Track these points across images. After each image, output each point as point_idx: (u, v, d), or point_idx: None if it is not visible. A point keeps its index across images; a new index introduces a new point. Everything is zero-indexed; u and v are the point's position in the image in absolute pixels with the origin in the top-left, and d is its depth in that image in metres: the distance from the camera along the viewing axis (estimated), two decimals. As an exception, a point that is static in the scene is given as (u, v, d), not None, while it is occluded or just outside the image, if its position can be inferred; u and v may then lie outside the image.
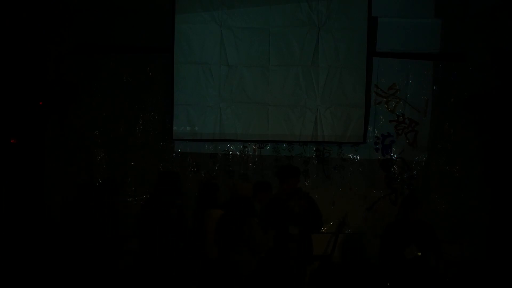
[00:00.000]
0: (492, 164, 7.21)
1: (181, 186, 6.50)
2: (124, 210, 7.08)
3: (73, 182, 7.16)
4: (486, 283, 6.69)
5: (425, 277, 6.01)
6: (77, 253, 6.36)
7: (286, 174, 6.14)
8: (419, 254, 5.94)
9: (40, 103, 6.95)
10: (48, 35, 7.12)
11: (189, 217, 6.40)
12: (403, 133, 7.47)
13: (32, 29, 6.96)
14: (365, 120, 7.36)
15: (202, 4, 7.26)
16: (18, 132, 6.88)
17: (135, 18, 7.27)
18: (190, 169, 7.41)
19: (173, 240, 6.04)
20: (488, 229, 7.25)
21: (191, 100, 7.31)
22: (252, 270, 6.19)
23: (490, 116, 7.15)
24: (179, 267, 6.07)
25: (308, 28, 7.28)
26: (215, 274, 5.73)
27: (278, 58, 7.29)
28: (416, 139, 7.46)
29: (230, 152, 7.45)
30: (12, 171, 6.82)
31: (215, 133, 7.33)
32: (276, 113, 7.32)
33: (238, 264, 5.61)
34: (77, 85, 7.20)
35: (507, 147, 7.07)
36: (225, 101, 7.32)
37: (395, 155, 7.48)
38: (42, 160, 7.15)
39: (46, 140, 7.20)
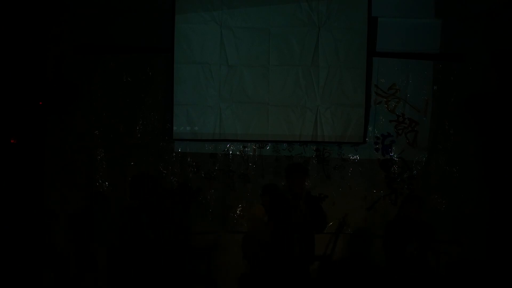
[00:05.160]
0: (492, 164, 7.22)
1: (156, 190, 6.50)
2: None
3: (73, 182, 7.17)
4: (486, 283, 6.70)
5: (425, 277, 6.02)
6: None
7: (293, 171, 6.14)
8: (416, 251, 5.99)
9: (40, 103, 6.95)
10: (48, 35, 7.11)
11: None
12: (403, 133, 7.47)
13: (32, 29, 6.95)
14: (365, 120, 7.36)
15: (202, 4, 7.25)
16: (18, 132, 6.88)
17: (135, 18, 7.26)
18: (190, 169, 7.40)
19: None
20: (488, 229, 7.25)
21: (191, 100, 7.31)
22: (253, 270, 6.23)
23: (490, 116, 7.15)
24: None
25: (308, 28, 7.28)
26: None
27: (278, 58, 7.29)
28: (416, 139, 7.46)
29: (230, 152, 7.45)
30: (12, 171, 6.82)
31: (215, 133, 7.33)
32: (276, 113, 7.32)
33: None
34: (77, 85, 7.20)
35: (507, 147, 7.06)
36: (225, 101, 7.31)
37: (395, 155, 7.47)
38: (42, 160, 7.15)
39: (46, 140, 7.19)
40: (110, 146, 7.33)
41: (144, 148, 7.36)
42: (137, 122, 7.37)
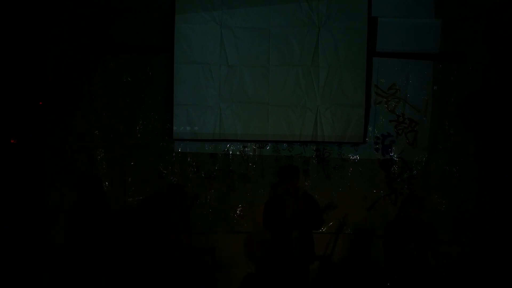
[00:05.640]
0: (492, 164, 7.21)
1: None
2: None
3: (73, 182, 7.17)
4: (486, 283, 6.69)
5: (425, 277, 6.02)
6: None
7: (284, 173, 6.21)
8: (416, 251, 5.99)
9: (40, 103, 6.95)
10: (48, 35, 7.11)
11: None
12: (403, 133, 7.47)
13: (32, 29, 6.95)
14: (365, 120, 7.36)
15: (202, 4, 7.25)
16: (18, 132, 6.87)
17: (135, 18, 7.26)
18: (190, 169, 7.40)
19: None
20: (488, 229, 7.25)
21: (191, 100, 7.31)
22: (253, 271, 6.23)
23: (490, 116, 7.15)
24: None
25: (308, 28, 7.28)
26: None
27: (278, 58, 7.29)
28: (416, 139, 7.46)
29: (230, 152, 7.44)
30: (12, 171, 6.82)
31: (215, 133, 7.33)
32: (276, 113, 7.32)
33: None
34: (77, 85, 7.20)
35: (507, 147, 7.06)
36: (225, 101, 7.31)
37: (395, 155, 7.47)
38: (42, 160, 7.15)
39: (46, 140, 7.19)
40: (110, 146, 7.33)
41: (144, 148, 7.36)
42: (137, 122, 7.37)
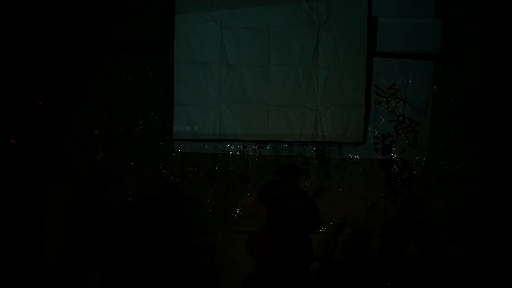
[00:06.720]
0: (492, 164, 7.22)
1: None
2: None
3: (73, 182, 7.17)
4: (486, 283, 6.70)
5: (425, 277, 6.03)
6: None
7: (287, 173, 6.22)
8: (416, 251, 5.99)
9: (40, 103, 6.95)
10: (48, 35, 7.11)
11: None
12: (403, 133, 7.48)
13: (32, 29, 6.95)
14: (365, 120, 7.36)
15: (202, 4, 7.25)
16: (18, 132, 6.87)
17: (135, 18, 7.26)
18: (190, 169, 7.40)
19: None
20: (488, 229, 7.26)
21: (191, 100, 7.31)
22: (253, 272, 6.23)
23: (490, 116, 7.15)
24: None
25: (308, 28, 7.28)
26: None
27: (278, 58, 7.29)
28: (416, 139, 7.46)
29: (230, 152, 7.44)
30: (12, 171, 6.82)
31: (215, 133, 7.33)
32: (276, 113, 7.31)
33: None
34: (77, 85, 7.20)
35: (507, 147, 7.07)
36: (225, 101, 7.31)
37: (395, 155, 7.47)
38: (42, 160, 7.15)
39: (46, 140, 7.19)
40: (110, 146, 7.33)
41: (144, 148, 7.36)
42: (137, 122, 7.36)
